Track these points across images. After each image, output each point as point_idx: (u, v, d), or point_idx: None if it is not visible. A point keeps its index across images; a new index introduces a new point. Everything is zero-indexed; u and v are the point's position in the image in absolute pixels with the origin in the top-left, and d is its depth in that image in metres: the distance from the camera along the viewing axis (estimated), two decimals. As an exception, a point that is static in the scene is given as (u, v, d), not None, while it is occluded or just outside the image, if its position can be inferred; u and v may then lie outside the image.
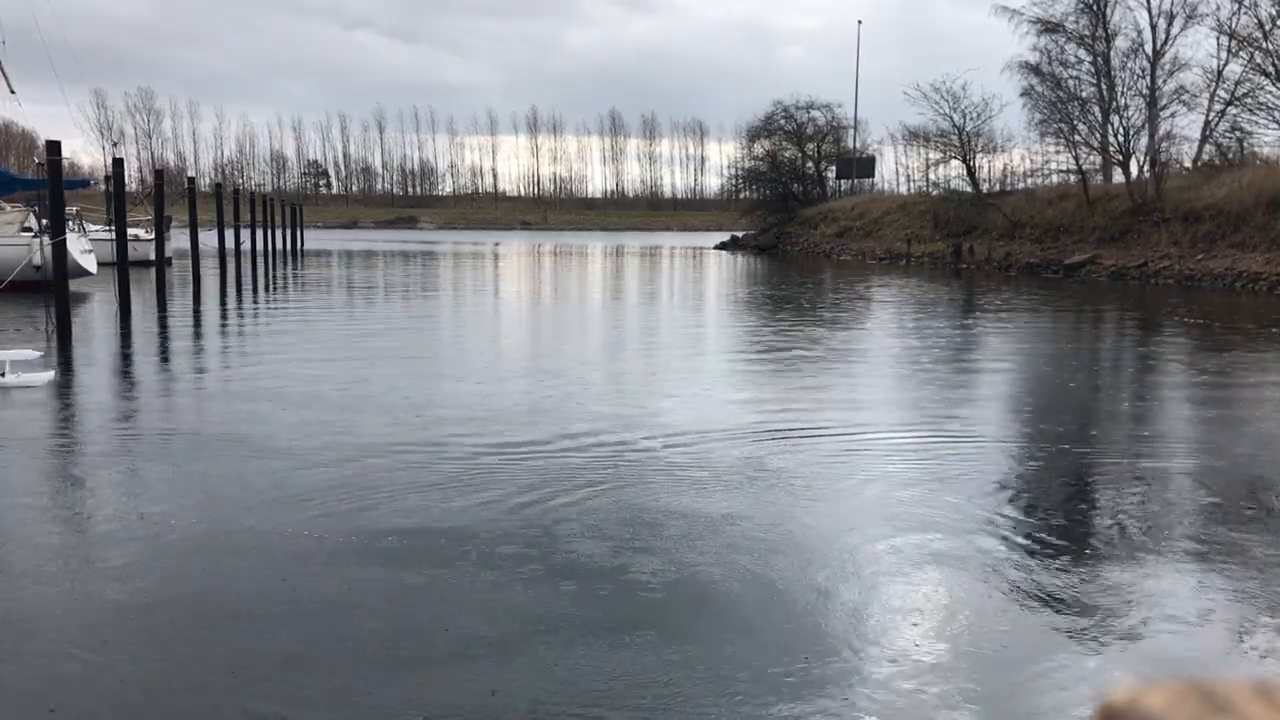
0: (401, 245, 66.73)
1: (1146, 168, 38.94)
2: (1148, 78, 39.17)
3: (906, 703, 4.20)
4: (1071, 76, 41.89)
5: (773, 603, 5.25)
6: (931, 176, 56.12)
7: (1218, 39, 37.40)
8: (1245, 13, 36.03)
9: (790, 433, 9.41)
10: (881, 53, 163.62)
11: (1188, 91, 38.74)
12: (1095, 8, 40.57)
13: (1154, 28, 39.13)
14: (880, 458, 8.57)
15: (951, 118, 48.77)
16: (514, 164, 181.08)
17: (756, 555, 5.94)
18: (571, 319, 22.14)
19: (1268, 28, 35.11)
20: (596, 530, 6.38)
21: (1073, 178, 41.76)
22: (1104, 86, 40.55)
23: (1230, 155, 38.26)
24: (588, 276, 39.07)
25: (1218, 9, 37.07)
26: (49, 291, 16.69)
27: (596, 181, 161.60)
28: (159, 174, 28.08)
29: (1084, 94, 41.48)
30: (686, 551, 6.01)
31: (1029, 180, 47.72)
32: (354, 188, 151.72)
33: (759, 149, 70.85)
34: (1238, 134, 38.61)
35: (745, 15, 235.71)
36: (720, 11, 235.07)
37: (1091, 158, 41.56)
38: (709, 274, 40.65)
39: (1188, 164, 39.78)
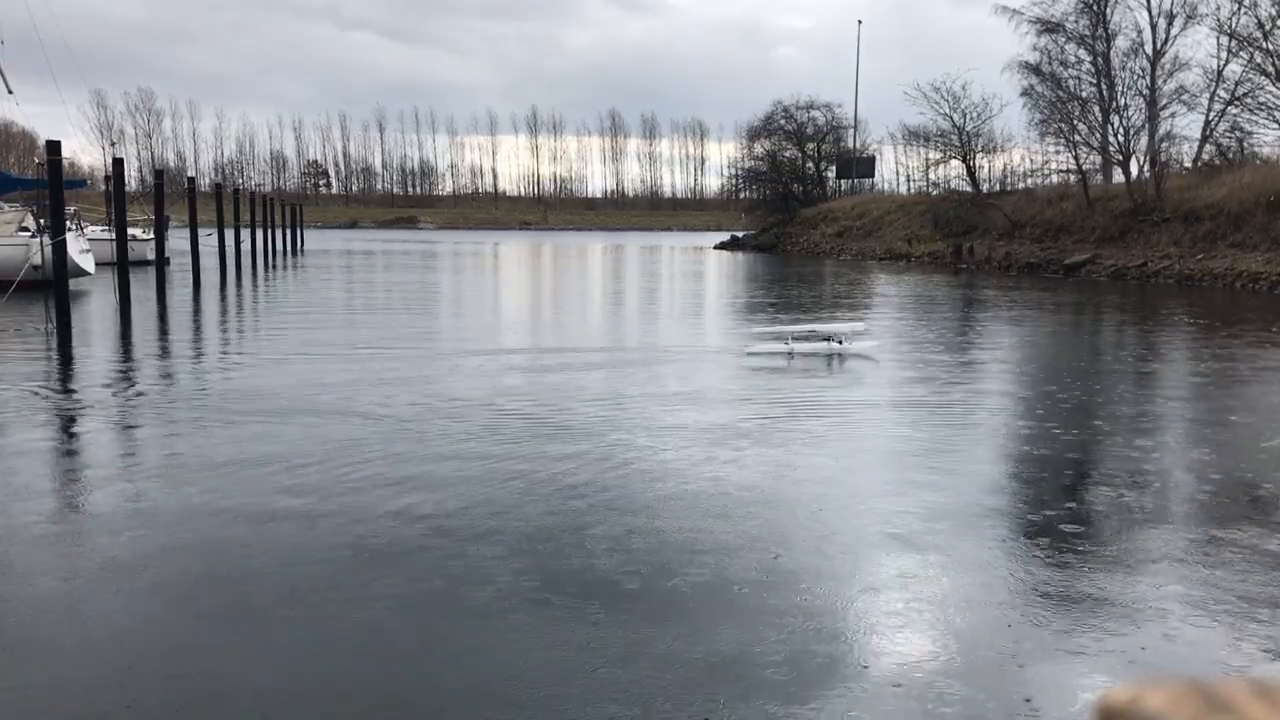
0: (402, 245, 66.66)
1: (1146, 168, 38.93)
2: (1148, 78, 39.18)
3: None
4: (1071, 76, 41.93)
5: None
6: (931, 176, 56.16)
7: (1218, 39, 37.44)
8: (1245, 13, 36.06)
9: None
10: (878, 52, 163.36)
11: (1188, 91, 38.80)
12: (1095, 8, 40.57)
13: (1154, 28, 39.18)
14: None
15: (951, 118, 48.86)
16: (514, 164, 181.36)
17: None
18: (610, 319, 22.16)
19: (1268, 28, 35.10)
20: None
21: (1073, 178, 41.76)
22: (1104, 86, 40.54)
23: (1230, 155, 38.24)
24: (603, 278, 39.04)
25: (1218, 9, 37.11)
26: (48, 291, 16.71)
27: (596, 181, 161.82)
28: (159, 174, 28.13)
29: (1084, 94, 41.51)
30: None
31: (1029, 180, 47.79)
32: (354, 188, 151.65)
33: (759, 149, 70.96)
34: (1238, 134, 38.61)
35: (740, 15, 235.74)
36: (716, 12, 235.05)
37: (1091, 158, 41.59)
38: (712, 273, 40.60)
39: (1188, 164, 39.80)
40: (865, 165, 69.91)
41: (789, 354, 14.47)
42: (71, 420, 9.97)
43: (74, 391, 11.41)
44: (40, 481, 7.70)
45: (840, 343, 14.68)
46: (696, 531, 6.33)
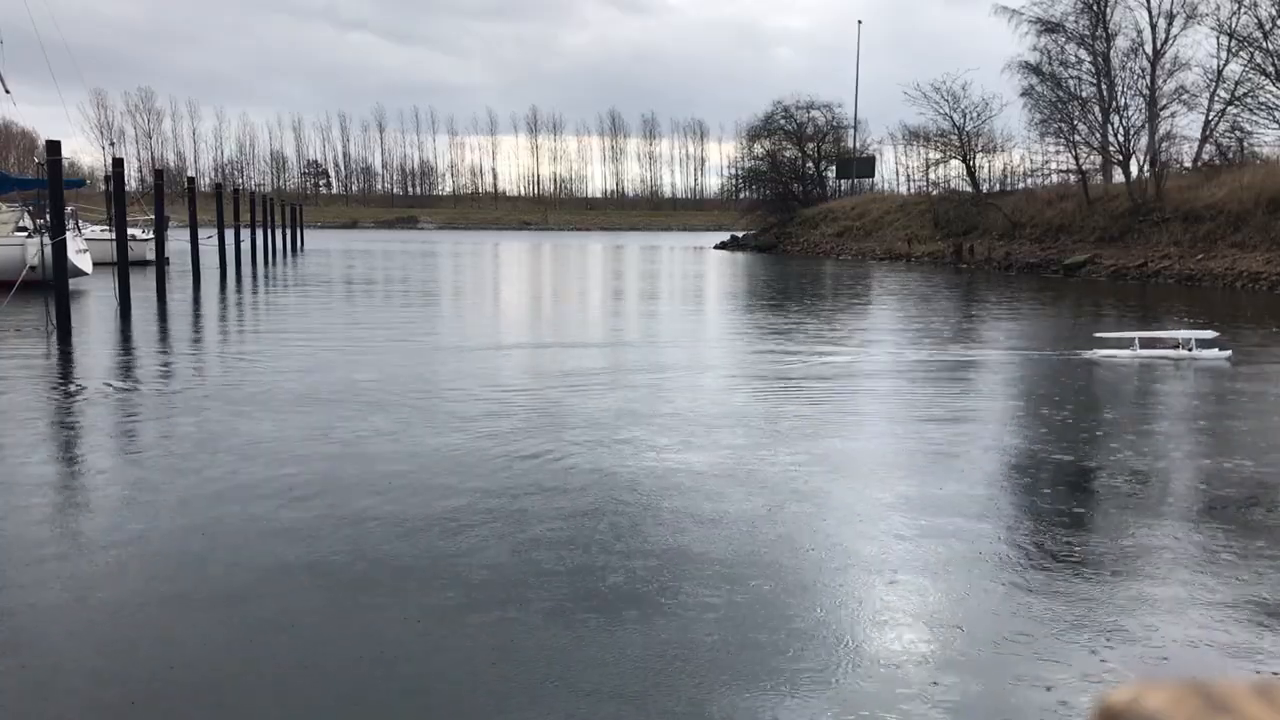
0: (402, 246, 66.66)
1: (1146, 168, 38.91)
2: (1148, 78, 39.16)
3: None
4: (1072, 76, 41.92)
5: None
6: (931, 176, 56.16)
7: (1218, 39, 37.41)
8: (1245, 13, 36.04)
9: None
10: (875, 52, 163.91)
11: (1188, 91, 38.77)
12: (1095, 8, 40.55)
13: (1154, 28, 39.13)
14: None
15: (951, 117, 48.88)
16: (514, 164, 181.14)
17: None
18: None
19: (1268, 28, 35.08)
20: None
21: (1073, 178, 41.76)
22: (1104, 86, 40.53)
23: (1230, 155, 38.23)
24: (612, 281, 39.02)
25: (1218, 9, 37.07)
26: (48, 291, 16.69)
27: (596, 181, 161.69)
28: (159, 174, 28.09)
29: (1084, 94, 41.51)
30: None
31: (1029, 180, 47.79)
32: (354, 188, 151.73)
33: (759, 149, 70.93)
34: (1238, 134, 38.58)
35: (736, 15, 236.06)
36: (712, 12, 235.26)
37: (1091, 158, 41.59)
38: (712, 273, 40.58)
39: (1188, 164, 39.77)
40: (865, 165, 69.90)
41: (1133, 358, 14.24)
42: (71, 419, 9.95)
43: (74, 391, 11.39)
44: (57, 477, 7.69)
45: (1190, 349, 14.29)
46: None
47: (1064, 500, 7.26)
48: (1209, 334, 15.11)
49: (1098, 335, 16.21)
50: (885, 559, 5.88)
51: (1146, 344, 14.82)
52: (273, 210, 46.88)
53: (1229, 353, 14.48)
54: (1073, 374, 13.28)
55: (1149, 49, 39.21)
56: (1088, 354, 14.70)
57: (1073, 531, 6.46)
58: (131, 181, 52.16)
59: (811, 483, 7.57)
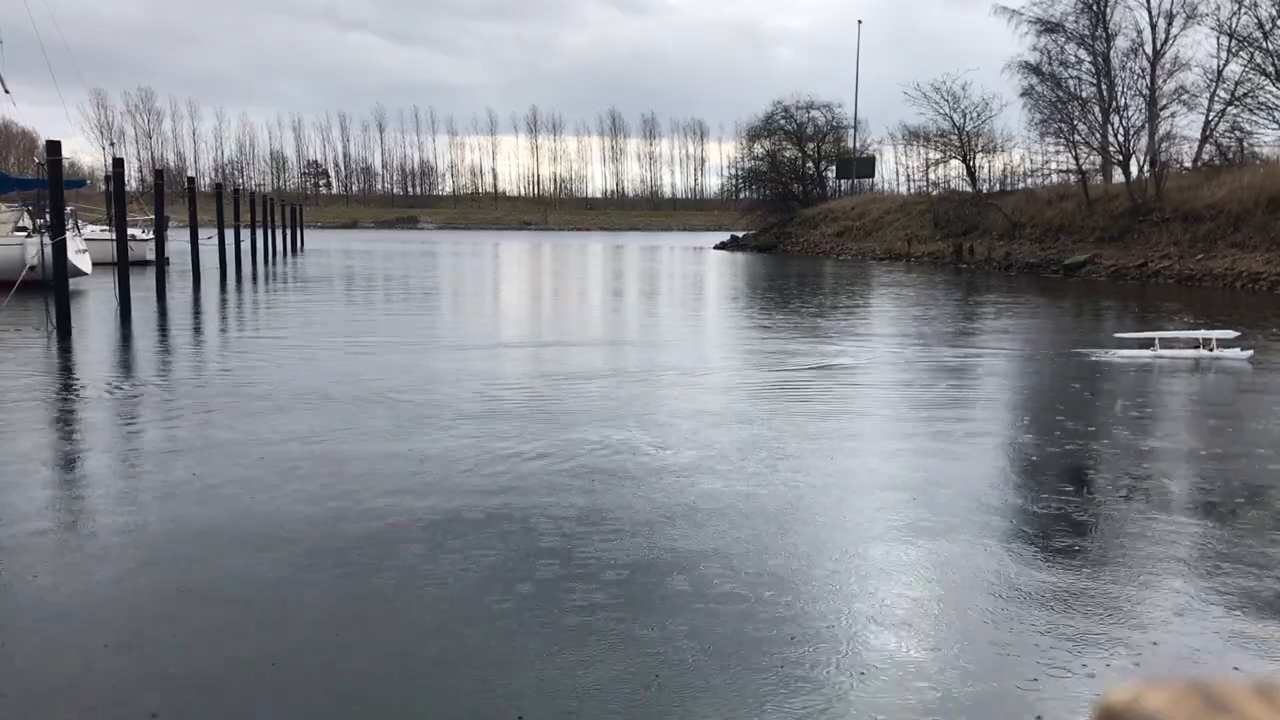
0: (402, 246, 66.67)
1: (1146, 168, 38.92)
2: (1148, 78, 39.17)
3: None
4: (1072, 76, 41.94)
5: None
6: (931, 176, 56.19)
7: (1218, 39, 37.42)
8: (1245, 13, 36.05)
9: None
10: (874, 52, 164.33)
11: (1188, 91, 38.79)
12: (1095, 8, 40.56)
13: (1154, 28, 39.15)
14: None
15: (951, 118, 48.91)
16: (514, 164, 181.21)
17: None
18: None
19: (1268, 28, 35.09)
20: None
21: (1073, 178, 41.77)
22: (1104, 86, 40.54)
23: (1230, 155, 38.23)
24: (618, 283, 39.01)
25: (1218, 9, 37.09)
26: (48, 292, 16.70)
27: (596, 181, 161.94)
28: (159, 174, 28.09)
29: (1084, 94, 41.52)
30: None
31: (1029, 180, 47.82)
32: (354, 188, 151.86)
33: (759, 149, 70.97)
34: (1238, 134, 38.58)
35: (736, 15, 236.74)
36: (712, 12, 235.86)
37: (1091, 158, 41.60)
38: (712, 273, 40.60)
39: (1188, 164, 39.79)
40: (865, 165, 69.92)
41: (1154, 358, 14.18)
42: (71, 419, 9.94)
43: (73, 391, 11.38)
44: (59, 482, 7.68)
45: (1212, 349, 14.39)
46: None
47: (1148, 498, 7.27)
48: (1230, 334, 15.09)
49: (1118, 335, 16.15)
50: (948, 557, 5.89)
51: (1167, 344, 14.83)
52: (273, 210, 46.89)
53: (1250, 352, 14.45)
54: (1101, 374, 13.22)
55: (1149, 49, 39.26)
56: (1109, 354, 14.67)
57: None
58: (131, 181, 52.08)
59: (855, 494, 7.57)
